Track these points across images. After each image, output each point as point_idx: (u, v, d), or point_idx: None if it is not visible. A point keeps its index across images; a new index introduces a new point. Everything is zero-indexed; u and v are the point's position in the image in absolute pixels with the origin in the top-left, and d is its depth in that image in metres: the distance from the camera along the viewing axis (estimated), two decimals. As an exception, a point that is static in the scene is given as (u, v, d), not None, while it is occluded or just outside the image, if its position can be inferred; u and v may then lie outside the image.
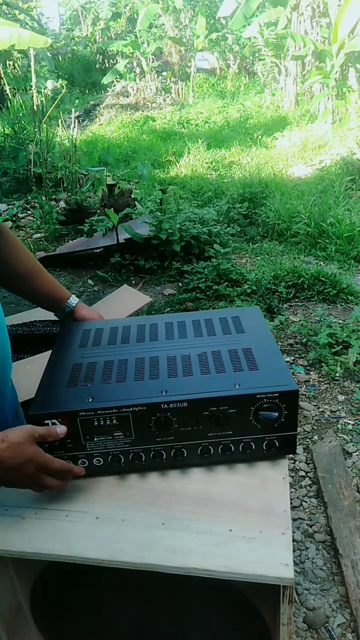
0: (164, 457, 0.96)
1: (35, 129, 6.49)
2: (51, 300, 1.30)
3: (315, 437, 2.47)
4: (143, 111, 12.06)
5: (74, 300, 1.30)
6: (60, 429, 0.91)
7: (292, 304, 3.73)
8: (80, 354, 1.13)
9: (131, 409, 0.92)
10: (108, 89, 13.53)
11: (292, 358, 3.09)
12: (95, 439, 0.94)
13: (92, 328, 1.24)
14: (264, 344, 1.11)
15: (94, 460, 0.96)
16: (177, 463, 0.97)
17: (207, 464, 0.98)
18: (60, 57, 15.48)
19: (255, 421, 0.94)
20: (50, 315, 1.34)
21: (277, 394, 0.93)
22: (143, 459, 0.96)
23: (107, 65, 15.98)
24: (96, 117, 12.16)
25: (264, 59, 11.67)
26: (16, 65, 9.83)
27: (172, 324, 1.23)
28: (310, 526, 2.00)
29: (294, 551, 1.83)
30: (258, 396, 0.93)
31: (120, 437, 0.94)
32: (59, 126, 7.29)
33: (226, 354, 1.07)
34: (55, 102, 7.11)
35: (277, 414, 0.93)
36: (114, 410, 0.92)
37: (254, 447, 0.96)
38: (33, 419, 0.92)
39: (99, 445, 0.94)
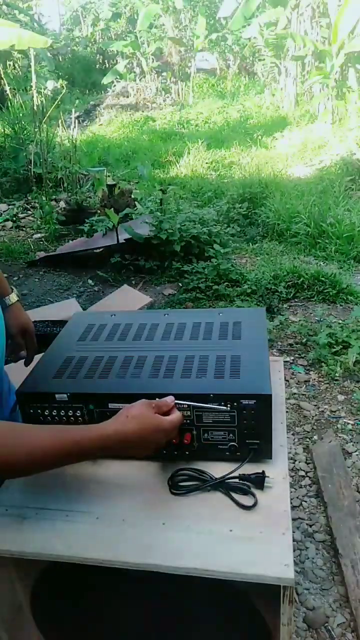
0: None
1: (36, 129, 6.48)
2: None
3: (315, 437, 2.47)
4: (143, 111, 12.06)
5: (8, 300, 1.31)
6: (170, 398, 0.95)
7: (292, 303, 3.73)
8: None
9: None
10: (108, 89, 13.53)
11: (292, 358, 3.09)
12: None
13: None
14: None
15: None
16: None
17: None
18: (60, 58, 15.45)
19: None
20: (50, 316, 1.35)
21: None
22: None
23: (107, 65, 15.98)
24: (96, 117, 12.16)
25: (264, 59, 11.65)
26: (16, 65, 9.82)
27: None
28: (310, 526, 2.00)
29: (293, 551, 1.83)
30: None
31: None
32: (59, 126, 7.29)
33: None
34: (56, 102, 7.09)
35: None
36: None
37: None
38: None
39: None
